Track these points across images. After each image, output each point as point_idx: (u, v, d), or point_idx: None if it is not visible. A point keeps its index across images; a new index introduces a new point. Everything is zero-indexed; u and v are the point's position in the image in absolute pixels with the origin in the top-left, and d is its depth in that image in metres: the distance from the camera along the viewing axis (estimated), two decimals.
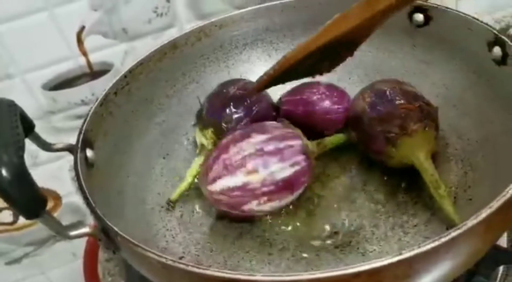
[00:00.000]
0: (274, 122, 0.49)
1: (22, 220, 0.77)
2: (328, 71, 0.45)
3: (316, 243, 0.46)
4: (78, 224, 0.40)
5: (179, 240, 0.48)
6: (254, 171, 0.44)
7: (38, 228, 0.78)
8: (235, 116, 0.51)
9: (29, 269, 0.82)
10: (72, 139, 0.48)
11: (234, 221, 0.49)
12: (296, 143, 0.46)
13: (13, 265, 0.81)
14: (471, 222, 0.32)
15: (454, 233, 0.32)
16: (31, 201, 0.34)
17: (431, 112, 0.48)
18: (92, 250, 0.63)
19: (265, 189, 0.44)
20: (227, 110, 0.52)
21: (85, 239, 0.63)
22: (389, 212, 0.47)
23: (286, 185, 0.45)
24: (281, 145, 0.45)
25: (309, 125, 0.54)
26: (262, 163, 0.44)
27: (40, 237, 0.79)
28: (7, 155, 0.33)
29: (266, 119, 0.52)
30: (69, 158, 0.73)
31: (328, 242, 0.46)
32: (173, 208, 0.50)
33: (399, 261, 0.31)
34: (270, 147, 0.45)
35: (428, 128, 0.47)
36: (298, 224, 0.48)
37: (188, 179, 0.51)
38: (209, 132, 0.51)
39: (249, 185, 0.44)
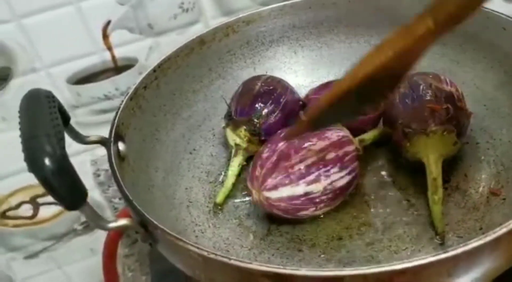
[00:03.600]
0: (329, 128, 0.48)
1: (41, 214, 0.77)
2: (370, 111, 0.44)
3: (347, 240, 0.46)
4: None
5: (208, 236, 0.48)
6: (317, 181, 0.44)
7: (57, 223, 0.78)
8: (265, 110, 0.52)
9: (47, 263, 0.82)
10: (95, 133, 0.48)
11: (263, 217, 0.49)
12: (352, 148, 0.46)
13: (31, 259, 0.81)
14: None
15: (500, 232, 0.31)
16: (73, 192, 0.34)
17: (459, 117, 0.47)
18: (112, 245, 0.63)
19: (324, 197, 0.45)
20: (257, 106, 0.52)
21: (104, 234, 0.63)
22: (420, 210, 0.47)
23: (343, 191, 0.46)
24: (340, 152, 0.45)
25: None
26: (324, 172, 0.44)
27: (59, 231, 0.79)
28: (50, 146, 0.33)
29: (294, 110, 0.53)
30: (91, 152, 0.74)
31: (359, 239, 0.46)
32: (221, 211, 0.50)
33: (445, 259, 0.30)
34: (331, 155, 0.45)
35: (448, 132, 0.46)
36: (327, 220, 0.48)
37: (231, 180, 0.51)
38: (242, 130, 0.51)
39: (310, 194, 0.44)
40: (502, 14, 0.50)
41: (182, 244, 0.34)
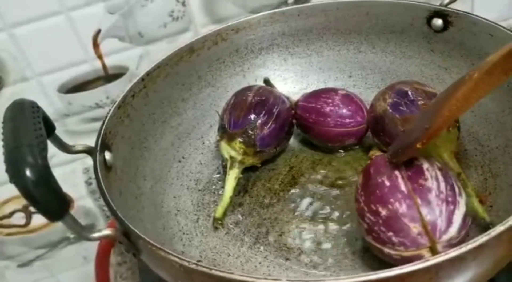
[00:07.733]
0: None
1: (34, 223, 0.77)
2: None
3: (334, 248, 0.46)
4: (91, 227, 0.39)
5: (195, 244, 0.48)
6: None
7: (50, 231, 0.78)
8: (259, 121, 0.52)
9: (41, 272, 0.82)
10: (86, 142, 0.48)
11: (251, 226, 0.49)
12: None
13: (24, 267, 0.81)
14: (499, 229, 0.32)
15: (481, 240, 0.31)
16: (55, 203, 0.33)
17: None
18: (104, 253, 0.63)
19: None
20: (251, 118, 0.52)
21: (96, 242, 0.63)
22: None
23: None
24: None
25: (319, 134, 0.54)
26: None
27: (52, 239, 0.79)
28: (31, 156, 0.33)
29: (286, 120, 0.54)
30: (83, 161, 0.74)
31: (346, 247, 0.46)
32: (221, 225, 0.49)
33: (427, 267, 0.30)
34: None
35: (452, 128, 0.47)
36: (315, 229, 0.48)
37: (229, 193, 0.50)
38: (237, 142, 0.51)
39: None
40: (489, 20, 0.50)
41: (164, 254, 0.34)
